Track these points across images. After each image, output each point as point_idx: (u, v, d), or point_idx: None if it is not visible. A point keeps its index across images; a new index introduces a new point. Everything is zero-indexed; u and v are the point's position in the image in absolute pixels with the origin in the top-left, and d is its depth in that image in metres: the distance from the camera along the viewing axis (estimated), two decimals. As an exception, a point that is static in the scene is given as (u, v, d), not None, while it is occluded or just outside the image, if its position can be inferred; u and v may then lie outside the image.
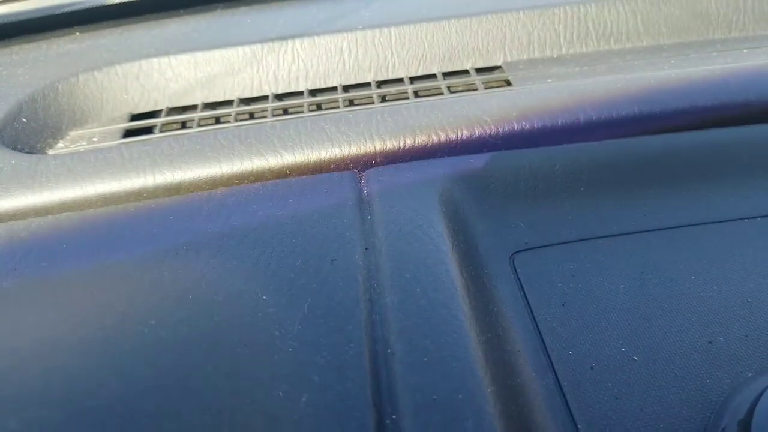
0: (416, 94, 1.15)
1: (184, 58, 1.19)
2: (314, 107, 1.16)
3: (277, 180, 0.84)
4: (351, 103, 1.16)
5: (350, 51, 1.20)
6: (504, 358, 0.62)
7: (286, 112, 1.16)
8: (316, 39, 1.20)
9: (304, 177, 0.84)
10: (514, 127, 0.88)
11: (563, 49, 1.23)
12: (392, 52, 1.20)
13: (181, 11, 1.43)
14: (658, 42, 1.24)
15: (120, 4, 1.39)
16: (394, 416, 0.55)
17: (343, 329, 0.62)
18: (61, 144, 1.09)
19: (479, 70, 1.22)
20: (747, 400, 0.58)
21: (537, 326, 0.68)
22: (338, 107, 1.12)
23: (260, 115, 1.15)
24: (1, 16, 1.36)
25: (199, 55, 1.19)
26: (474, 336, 0.61)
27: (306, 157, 0.86)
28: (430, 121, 0.88)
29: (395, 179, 0.82)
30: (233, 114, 1.13)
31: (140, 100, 1.18)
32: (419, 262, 0.68)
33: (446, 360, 0.58)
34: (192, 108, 1.18)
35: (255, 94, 1.20)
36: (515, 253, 0.77)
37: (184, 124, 1.14)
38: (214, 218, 0.77)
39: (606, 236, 0.78)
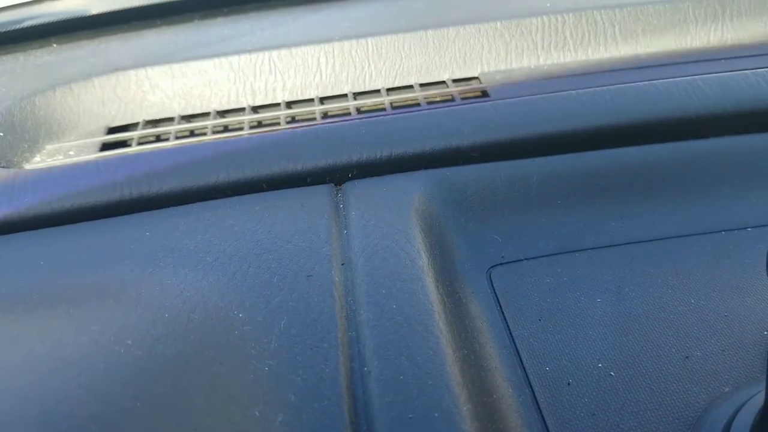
0: (393, 105, 1.15)
1: (161, 69, 1.19)
2: (291, 119, 1.16)
3: (254, 194, 0.84)
4: (327, 114, 1.16)
5: (327, 62, 1.20)
6: (480, 374, 0.62)
7: (262, 124, 1.15)
8: (293, 50, 1.20)
9: (280, 190, 0.84)
10: (491, 139, 0.88)
11: (540, 59, 1.23)
12: (369, 63, 1.20)
13: (158, 22, 1.43)
14: (636, 52, 1.24)
15: (97, 15, 1.38)
16: None
17: (319, 347, 0.62)
18: (37, 158, 1.09)
19: (456, 81, 1.22)
20: (724, 415, 0.58)
21: (514, 342, 0.67)
22: (315, 119, 1.12)
23: (237, 127, 1.15)
24: (-24, 28, 1.36)
25: (176, 67, 1.19)
26: (450, 353, 0.61)
27: (282, 170, 0.85)
28: (407, 133, 0.88)
29: (372, 193, 0.82)
30: (210, 126, 1.13)
31: (117, 113, 1.18)
32: (395, 278, 0.68)
33: (422, 377, 0.58)
34: (169, 120, 1.18)
35: (232, 106, 1.20)
36: (492, 267, 0.77)
37: (160, 137, 1.14)
38: (190, 233, 0.77)
39: (583, 249, 0.78)
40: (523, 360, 0.66)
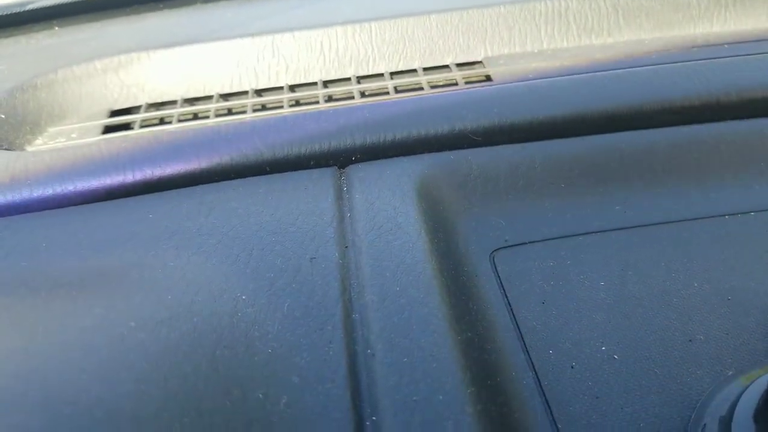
0: (396, 89, 1.14)
1: (163, 53, 1.18)
2: (294, 103, 1.15)
3: (257, 176, 0.84)
4: (331, 98, 1.15)
5: (330, 46, 1.20)
6: (484, 357, 0.62)
7: (265, 107, 1.15)
8: (296, 34, 1.19)
9: (283, 173, 0.84)
10: (494, 123, 0.87)
11: (544, 44, 1.23)
12: (372, 47, 1.20)
13: (161, 5, 1.43)
14: (639, 36, 1.24)
15: (99, -2, 1.39)
16: (374, 417, 0.55)
17: (322, 329, 0.62)
18: (40, 140, 1.08)
19: (460, 65, 1.22)
20: (728, 398, 0.58)
21: (517, 325, 0.67)
22: (318, 102, 1.12)
23: (240, 110, 1.15)
24: (-22, 11, 1.36)
25: (179, 50, 1.18)
26: (454, 335, 0.61)
27: (285, 153, 0.85)
28: (410, 117, 0.88)
29: (375, 176, 0.81)
30: (213, 110, 1.12)
31: (119, 96, 1.18)
32: (399, 261, 0.68)
33: (426, 360, 0.58)
34: (171, 103, 1.18)
35: (235, 90, 1.19)
36: (495, 250, 0.76)
37: (163, 120, 1.14)
38: (193, 216, 0.77)
39: (586, 233, 0.78)
40: (527, 343, 0.66)
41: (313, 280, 0.67)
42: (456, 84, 1.14)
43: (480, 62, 1.22)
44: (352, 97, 1.13)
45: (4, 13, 1.35)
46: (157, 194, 0.82)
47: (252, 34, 1.20)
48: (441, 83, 1.16)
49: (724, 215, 0.79)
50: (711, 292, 0.70)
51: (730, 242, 0.75)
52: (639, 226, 0.79)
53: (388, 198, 0.77)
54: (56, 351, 0.58)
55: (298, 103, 1.16)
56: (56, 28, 1.37)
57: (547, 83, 0.93)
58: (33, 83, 1.12)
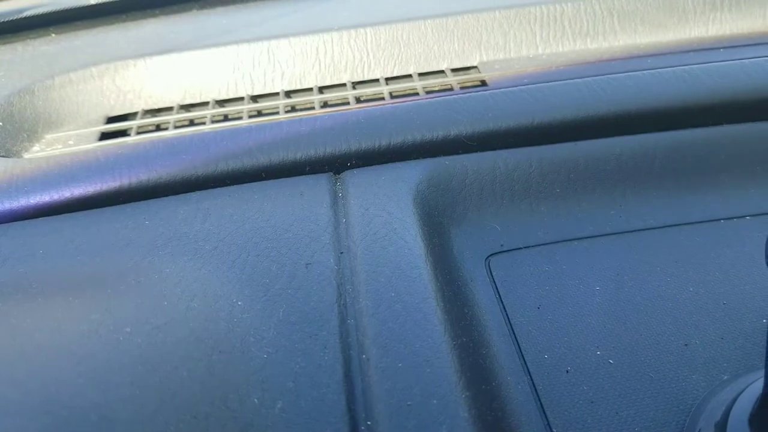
0: (392, 94, 1.14)
1: (159, 59, 1.18)
2: (290, 108, 1.15)
3: (253, 183, 0.84)
4: (326, 104, 1.15)
5: (326, 52, 1.20)
6: (479, 362, 0.62)
7: (261, 113, 1.15)
8: (292, 40, 1.19)
9: (279, 180, 0.84)
10: (489, 128, 0.88)
11: (539, 49, 1.23)
12: (368, 53, 1.20)
13: (157, 12, 1.43)
14: (634, 41, 1.24)
15: (96, 5, 1.38)
16: (368, 422, 0.55)
17: (317, 335, 0.62)
18: (37, 147, 1.08)
19: (455, 71, 1.22)
20: (723, 402, 0.58)
21: (512, 330, 0.68)
22: (314, 108, 1.12)
23: (236, 116, 1.15)
24: (-27, 18, 1.35)
25: (175, 57, 1.19)
26: (449, 340, 0.61)
27: (281, 159, 0.85)
28: (406, 122, 0.88)
29: (370, 181, 0.81)
30: (209, 116, 1.12)
31: (116, 102, 1.18)
32: (394, 266, 0.68)
33: (421, 365, 0.58)
34: (168, 110, 1.18)
35: (230, 96, 1.19)
36: (490, 255, 0.77)
37: (159, 126, 1.14)
38: (189, 222, 0.77)
39: (581, 238, 0.78)
40: (522, 348, 0.66)
41: (308, 285, 0.67)
42: (451, 89, 1.14)
43: (475, 67, 1.22)
44: (348, 103, 1.13)
45: (1, 20, 1.35)
46: (153, 200, 0.83)
47: (248, 41, 1.20)
48: (436, 88, 1.16)
49: (720, 219, 0.79)
50: (706, 297, 0.70)
51: (726, 247, 0.76)
52: (634, 230, 0.79)
53: (383, 203, 0.77)
54: (53, 356, 0.58)
55: (293, 109, 1.16)
56: (53, 35, 1.37)
57: (543, 88, 0.93)
58: (30, 90, 1.13)
